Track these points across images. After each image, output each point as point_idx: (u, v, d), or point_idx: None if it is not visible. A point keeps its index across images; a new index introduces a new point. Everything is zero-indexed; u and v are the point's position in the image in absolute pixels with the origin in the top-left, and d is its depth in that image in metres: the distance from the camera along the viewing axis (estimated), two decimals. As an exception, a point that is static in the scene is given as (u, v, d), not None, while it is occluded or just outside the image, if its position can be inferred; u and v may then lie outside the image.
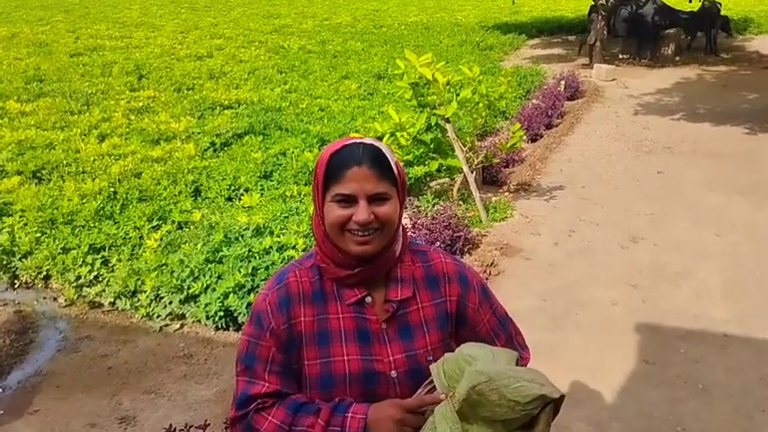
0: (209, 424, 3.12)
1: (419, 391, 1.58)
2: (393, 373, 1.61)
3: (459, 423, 1.47)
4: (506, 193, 7.05)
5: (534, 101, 10.49)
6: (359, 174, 1.54)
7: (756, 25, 19.66)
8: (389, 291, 1.65)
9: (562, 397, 1.49)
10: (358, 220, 1.53)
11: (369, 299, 1.64)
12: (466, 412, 1.47)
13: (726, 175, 7.47)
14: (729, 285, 5.09)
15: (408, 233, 1.74)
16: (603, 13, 14.27)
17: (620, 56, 15.51)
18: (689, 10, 15.78)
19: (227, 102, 10.24)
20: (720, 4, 15.21)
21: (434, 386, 1.53)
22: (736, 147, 8.61)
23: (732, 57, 15.59)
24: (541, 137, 9.19)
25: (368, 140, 1.61)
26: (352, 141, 1.61)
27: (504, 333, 1.79)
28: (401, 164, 1.66)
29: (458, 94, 6.31)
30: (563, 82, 11.31)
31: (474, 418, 1.48)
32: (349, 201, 1.55)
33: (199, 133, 8.65)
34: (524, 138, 7.82)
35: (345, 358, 1.60)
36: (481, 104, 6.50)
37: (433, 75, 5.77)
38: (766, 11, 21.62)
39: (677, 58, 15.10)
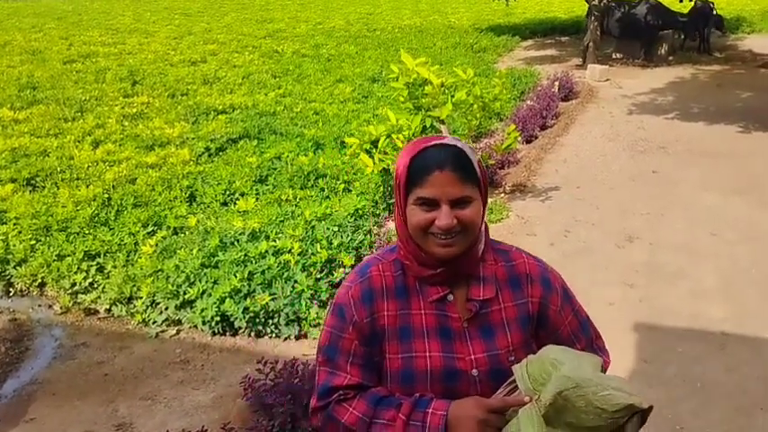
0: (206, 429, 3.12)
1: (500, 390, 1.56)
2: (474, 372, 1.60)
3: (546, 427, 1.45)
4: (502, 195, 7.05)
5: (529, 102, 10.49)
6: (441, 178, 1.52)
7: (749, 24, 19.73)
8: (472, 290, 1.64)
9: (650, 408, 1.47)
10: (440, 226, 1.52)
11: (451, 297, 1.63)
12: (551, 417, 1.45)
13: (721, 175, 7.47)
14: (726, 285, 5.08)
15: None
16: (596, 13, 14.30)
17: (614, 56, 15.54)
18: (683, 11, 15.81)
19: (221, 107, 10.23)
20: (713, 4, 15.25)
21: (516, 387, 1.51)
22: (730, 146, 8.62)
23: (725, 56, 15.64)
24: (536, 138, 9.19)
25: (449, 141, 1.59)
26: (433, 143, 1.58)
27: (585, 336, 1.77)
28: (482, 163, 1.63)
29: (452, 96, 6.30)
30: (557, 83, 11.33)
31: (559, 423, 1.46)
32: (431, 204, 1.54)
33: (193, 138, 8.64)
34: (519, 139, 7.82)
35: (427, 354, 1.60)
36: (476, 106, 6.50)
37: (428, 75, 5.77)
38: (759, 10, 21.69)
39: (671, 58, 15.15)
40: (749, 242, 5.75)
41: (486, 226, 1.70)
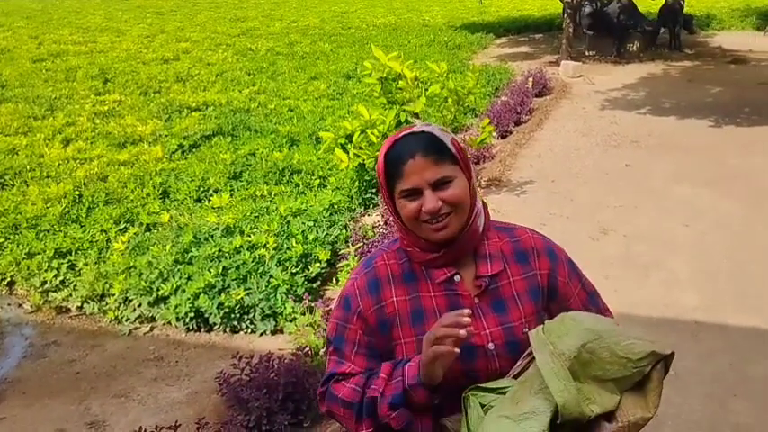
0: (179, 425, 3.08)
1: (518, 362, 1.56)
2: (491, 346, 1.61)
3: (573, 381, 1.43)
4: (477, 189, 7.06)
5: (503, 98, 10.53)
6: (415, 166, 1.55)
7: (718, 21, 20.00)
8: (479, 267, 1.66)
9: (672, 354, 1.48)
10: (427, 210, 1.55)
11: (458, 277, 1.65)
12: (577, 371, 1.45)
13: (692, 167, 7.56)
14: (698, 274, 5.14)
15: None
16: (569, 10, 14.40)
17: (587, 53, 15.66)
18: (652, 10, 15.99)
19: (194, 104, 10.14)
20: (683, 1, 15.43)
21: (533, 357, 1.49)
22: (701, 139, 8.73)
23: (696, 52, 15.83)
24: (511, 133, 9.22)
25: (418, 128, 1.62)
26: (402, 134, 1.61)
27: (595, 307, 1.77)
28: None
29: (426, 90, 6.30)
30: (531, 79, 11.38)
31: (585, 376, 1.46)
32: (415, 193, 1.56)
33: (166, 136, 8.55)
34: (494, 134, 7.84)
35: None
36: (450, 100, 6.51)
37: (401, 69, 5.76)
38: (728, 7, 21.98)
39: (642, 55, 15.29)
40: (720, 232, 5.82)
41: (484, 203, 1.72)
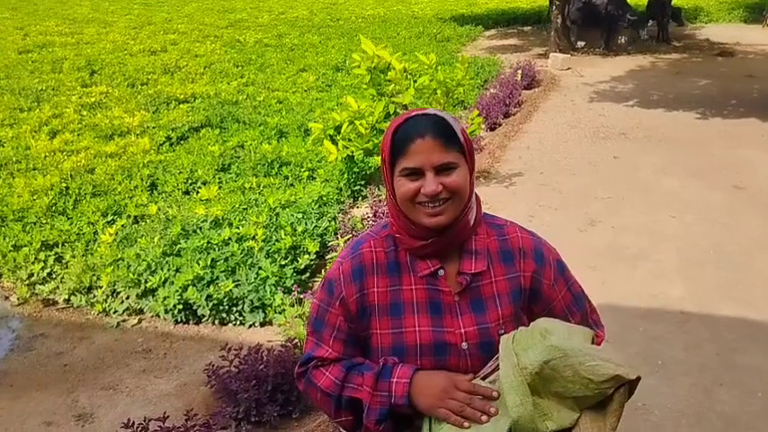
0: (167, 416, 3.07)
1: (489, 364, 1.57)
2: (464, 345, 1.60)
3: (531, 396, 1.45)
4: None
5: (492, 90, 10.53)
6: (423, 146, 1.53)
7: (706, 14, 20.09)
8: (463, 263, 1.64)
9: (638, 378, 1.48)
10: (426, 192, 1.53)
11: (441, 271, 1.63)
12: (537, 386, 1.46)
13: (679, 159, 7.60)
14: (685, 265, 5.17)
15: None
16: (558, 2, 14.41)
17: (576, 45, 15.69)
18: (640, 2, 16.02)
19: (182, 96, 10.08)
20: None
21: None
22: (688, 131, 8.78)
23: (684, 45, 15.90)
24: (500, 125, 9.23)
25: (431, 111, 1.60)
26: (414, 113, 1.60)
27: (579, 310, 1.76)
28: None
29: (415, 81, 6.29)
30: (520, 71, 11.38)
31: (545, 392, 1.47)
32: (417, 173, 1.55)
33: (154, 128, 8.50)
34: (483, 126, 7.84)
35: (417, 329, 1.61)
36: (439, 92, 6.50)
37: (390, 59, 5.75)
38: (716, 0, 22.08)
39: (630, 47, 15.33)
40: (706, 223, 5.86)
41: (477, 198, 1.70)
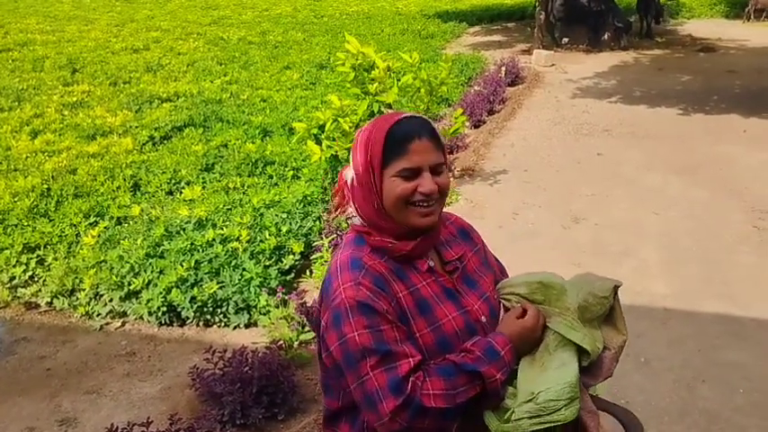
0: (151, 421, 3.05)
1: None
2: (483, 319, 1.70)
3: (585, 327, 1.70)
4: (450, 179, 7.07)
5: (476, 87, 10.55)
6: (421, 146, 1.58)
7: (688, 9, 20.25)
8: (444, 254, 1.74)
9: (620, 283, 1.75)
10: (425, 191, 1.58)
11: (432, 262, 1.70)
12: (581, 318, 1.70)
13: (662, 156, 7.65)
14: (668, 262, 5.21)
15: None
16: (541, -1, 14.46)
17: (560, 41, 15.74)
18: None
19: (165, 95, 10.01)
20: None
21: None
22: (671, 128, 8.84)
23: (666, 40, 16.00)
24: (484, 123, 9.25)
25: (411, 114, 1.67)
26: (401, 116, 1.64)
27: (499, 265, 1.98)
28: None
29: (399, 80, 6.28)
30: (504, 68, 11.41)
31: (584, 321, 1.70)
32: (414, 173, 1.59)
33: (137, 127, 8.44)
34: (467, 124, 7.86)
35: (449, 317, 1.64)
36: (423, 90, 6.50)
37: (374, 57, 5.74)
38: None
39: (614, 44, 15.40)
40: (689, 220, 5.90)
41: None
